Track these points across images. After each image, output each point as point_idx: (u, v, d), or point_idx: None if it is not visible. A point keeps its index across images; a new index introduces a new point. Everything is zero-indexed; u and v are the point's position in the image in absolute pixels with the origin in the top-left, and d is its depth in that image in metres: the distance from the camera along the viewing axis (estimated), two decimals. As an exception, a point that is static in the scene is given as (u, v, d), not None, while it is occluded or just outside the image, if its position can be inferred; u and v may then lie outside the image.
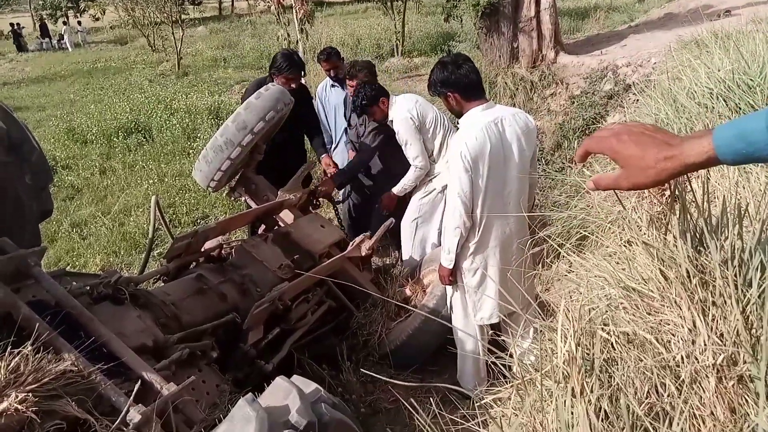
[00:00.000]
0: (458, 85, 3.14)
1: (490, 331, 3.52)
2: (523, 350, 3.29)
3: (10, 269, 2.36)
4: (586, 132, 7.03)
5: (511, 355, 1.31)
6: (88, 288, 2.68)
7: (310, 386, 2.15)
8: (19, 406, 1.78)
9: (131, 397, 2.01)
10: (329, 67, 5.54)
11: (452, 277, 3.41)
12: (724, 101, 2.65)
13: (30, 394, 1.82)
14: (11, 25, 26.38)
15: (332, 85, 5.69)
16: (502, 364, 1.42)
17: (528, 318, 3.09)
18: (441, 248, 3.50)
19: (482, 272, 3.36)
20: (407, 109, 4.36)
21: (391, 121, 4.46)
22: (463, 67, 3.16)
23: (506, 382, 1.42)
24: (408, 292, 4.28)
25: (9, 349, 1.89)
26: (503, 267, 3.31)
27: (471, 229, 3.27)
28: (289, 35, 9.68)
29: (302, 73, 4.86)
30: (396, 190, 4.64)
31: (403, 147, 4.46)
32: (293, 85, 4.72)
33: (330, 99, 5.73)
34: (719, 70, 2.81)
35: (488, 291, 3.39)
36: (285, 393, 2.02)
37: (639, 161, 1.06)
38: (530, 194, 3.50)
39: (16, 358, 1.86)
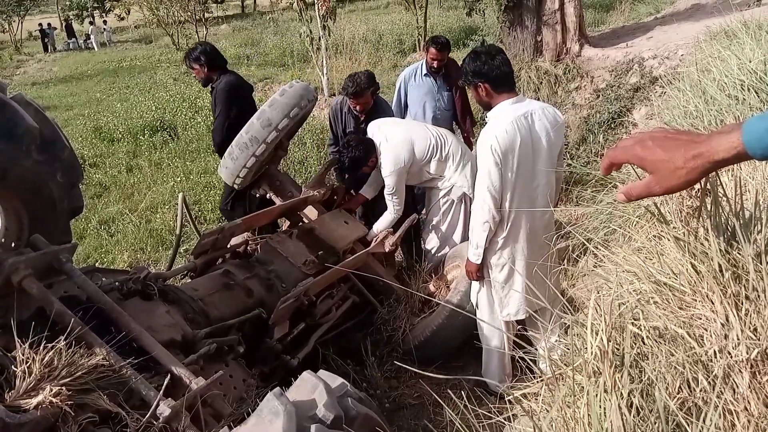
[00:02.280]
0: (489, 76, 3.10)
1: (517, 327, 3.51)
2: (552, 345, 3.28)
3: (43, 265, 2.41)
4: (612, 126, 6.95)
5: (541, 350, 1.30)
6: (117, 284, 2.72)
7: (336, 381, 2.16)
8: (54, 399, 1.82)
9: (161, 391, 2.04)
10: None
11: (479, 272, 3.39)
12: (756, 93, 2.59)
13: (64, 388, 1.86)
14: (40, 25, 26.93)
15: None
16: (530, 360, 1.41)
17: (557, 313, 3.07)
18: (468, 243, 3.48)
19: (510, 267, 3.34)
20: (398, 158, 4.18)
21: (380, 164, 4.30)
22: (497, 59, 3.11)
23: (534, 377, 1.41)
24: (432, 288, 4.28)
25: (43, 343, 1.93)
26: (530, 262, 3.27)
27: (499, 224, 3.25)
28: (311, 32, 9.70)
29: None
30: (373, 232, 4.47)
31: (387, 192, 4.32)
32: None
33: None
34: (750, 61, 2.75)
35: (515, 286, 3.37)
36: (312, 387, 2.03)
37: (667, 164, 1.03)
38: (556, 188, 3.46)
39: (51, 353, 1.91)
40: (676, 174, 1.03)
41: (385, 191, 4.34)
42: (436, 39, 5.29)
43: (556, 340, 3.27)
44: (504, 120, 3.10)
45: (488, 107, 3.22)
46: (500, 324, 3.47)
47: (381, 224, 4.45)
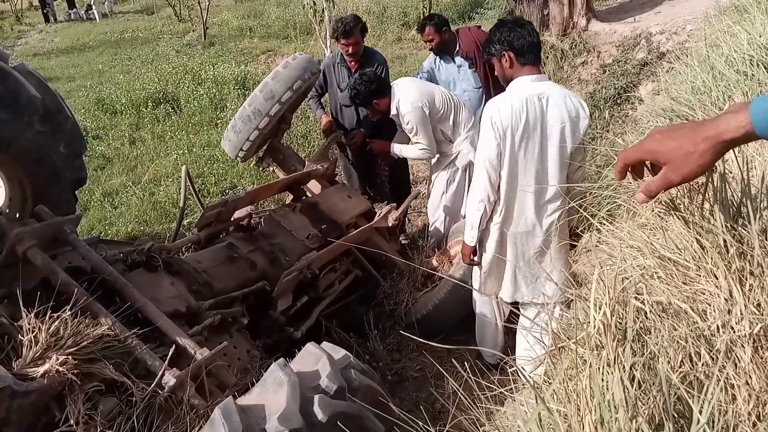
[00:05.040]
0: (514, 44, 2.94)
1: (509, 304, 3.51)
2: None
3: (48, 236, 2.42)
4: (618, 102, 6.89)
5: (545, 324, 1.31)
6: (122, 255, 2.74)
7: (339, 353, 2.18)
8: (60, 368, 1.85)
9: (166, 361, 2.07)
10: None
11: (474, 256, 3.33)
12: (765, 68, 2.56)
13: (70, 357, 1.88)
14: (40, -5, 26.56)
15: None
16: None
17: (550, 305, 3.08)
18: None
19: (501, 251, 3.26)
20: (417, 98, 4.13)
21: (395, 114, 4.28)
22: (526, 27, 2.99)
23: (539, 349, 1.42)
24: (435, 262, 4.29)
25: (49, 313, 1.95)
26: (527, 253, 3.20)
27: (495, 206, 3.15)
28: (314, 4, 9.60)
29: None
30: (395, 148, 4.50)
31: (411, 135, 4.29)
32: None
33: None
34: (761, 36, 2.71)
35: (506, 273, 3.32)
36: (315, 359, 2.06)
37: (679, 151, 1.03)
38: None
39: (56, 322, 1.93)
40: (690, 159, 1.02)
41: (408, 132, 4.31)
42: (422, 21, 5.15)
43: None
44: (515, 95, 2.95)
45: (508, 82, 3.07)
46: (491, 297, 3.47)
47: (408, 151, 4.45)
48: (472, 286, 3.58)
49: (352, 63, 4.85)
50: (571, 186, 3.10)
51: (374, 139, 4.69)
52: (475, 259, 3.34)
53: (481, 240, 3.31)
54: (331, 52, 9.10)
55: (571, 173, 3.09)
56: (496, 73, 3.22)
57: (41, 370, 1.84)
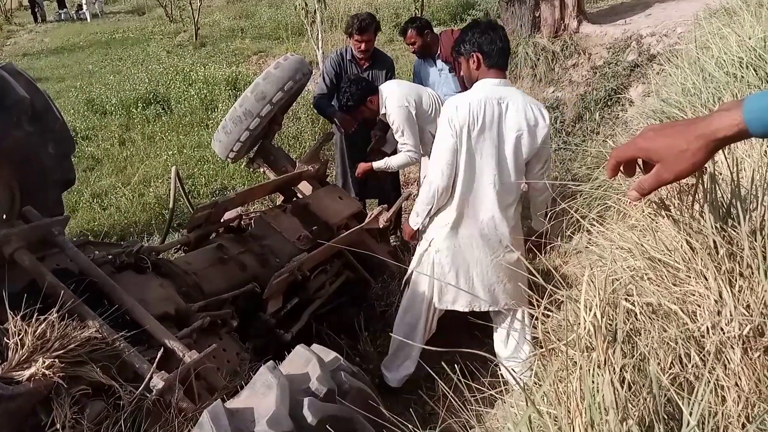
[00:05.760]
0: (484, 47, 2.97)
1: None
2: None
3: (35, 238, 2.39)
4: (609, 104, 6.91)
5: (534, 327, 1.30)
6: (110, 257, 2.71)
7: (329, 355, 2.17)
8: (47, 371, 1.82)
9: (154, 364, 2.05)
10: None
11: (416, 236, 3.34)
12: (754, 70, 2.57)
13: (56, 360, 1.86)
14: (30, -5, 26.39)
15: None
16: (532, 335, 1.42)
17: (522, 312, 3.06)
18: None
19: (452, 255, 3.22)
20: (403, 97, 4.13)
21: (383, 114, 4.27)
22: (498, 31, 3.01)
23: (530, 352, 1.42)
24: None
25: (35, 316, 1.92)
26: (481, 260, 3.18)
27: (447, 207, 3.13)
28: (306, 5, 9.57)
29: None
30: (376, 164, 4.47)
31: (396, 136, 4.26)
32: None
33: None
34: (750, 39, 2.73)
35: (459, 279, 3.25)
36: (305, 361, 2.04)
37: (672, 149, 1.03)
38: (535, 203, 3.32)
39: (43, 325, 1.90)
40: (683, 157, 1.02)
41: (394, 133, 4.29)
42: (404, 24, 5.13)
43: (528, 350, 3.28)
44: (474, 95, 2.96)
45: (472, 83, 3.09)
46: (425, 310, 3.38)
47: (392, 161, 4.41)
48: (406, 296, 3.46)
49: (363, 61, 4.85)
50: (536, 189, 3.18)
51: (360, 164, 4.67)
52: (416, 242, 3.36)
53: (437, 244, 3.26)
54: (323, 53, 9.09)
55: (531, 180, 3.14)
56: (461, 74, 3.23)
57: (27, 373, 1.81)
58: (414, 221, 3.29)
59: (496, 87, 2.98)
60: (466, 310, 3.30)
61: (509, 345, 3.42)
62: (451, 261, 3.21)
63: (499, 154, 2.99)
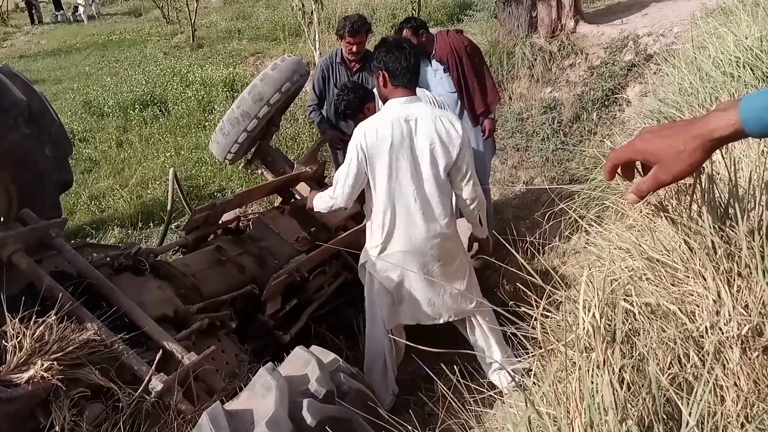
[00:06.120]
0: (389, 65, 3.04)
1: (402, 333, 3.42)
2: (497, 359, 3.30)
3: (33, 240, 2.39)
4: (606, 103, 6.93)
5: (533, 327, 1.31)
6: (108, 259, 2.71)
7: (328, 356, 2.17)
8: (45, 374, 1.82)
9: (153, 366, 2.05)
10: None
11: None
12: (751, 70, 2.58)
13: (55, 362, 1.86)
14: (26, -3, 26.34)
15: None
16: (523, 335, 1.42)
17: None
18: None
19: (391, 275, 3.21)
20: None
21: None
22: (402, 50, 3.06)
23: (527, 352, 1.42)
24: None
25: (34, 318, 1.92)
26: (414, 275, 3.18)
27: (375, 230, 3.16)
28: (303, 5, 9.57)
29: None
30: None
31: None
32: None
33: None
34: (746, 38, 2.73)
35: (403, 296, 3.25)
36: (304, 362, 2.04)
37: (669, 149, 1.02)
38: (467, 213, 3.29)
39: (41, 328, 1.90)
40: (680, 158, 1.01)
41: None
42: (399, 24, 5.09)
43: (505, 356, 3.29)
44: (382, 118, 3.04)
45: (385, 100, 3.16)
46: (382, 335, 3.35)
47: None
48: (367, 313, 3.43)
49: (353, 63, 4.82)
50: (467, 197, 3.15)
51: None
52: None
53: (377, 267, 3.26)
54: (320, 54, 9.09)
55: (459, 190, 3.16)
56: (376, 89, 3.29)
57: (26, 376, 1.81)
58: (313, 206, 3.37)
59: (403, 105, 3.04)
60: (413, 323, 3.33)
61: (479, 349, 3.45)
62: (388, 279, 3.22)
63: (415, 171, 3.03)
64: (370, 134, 2.99)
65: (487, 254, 3.43)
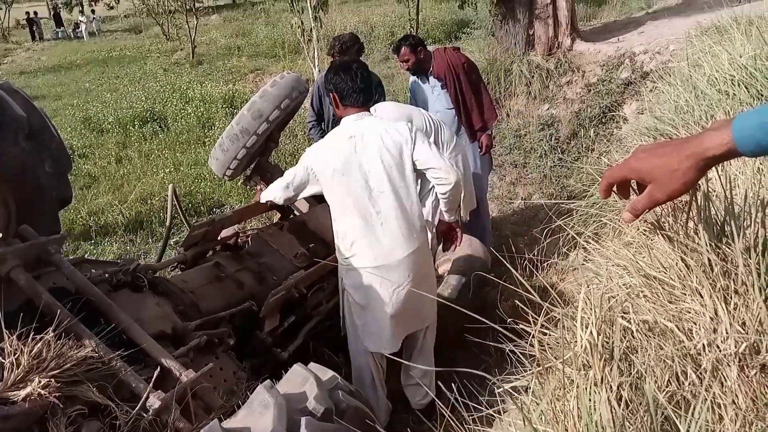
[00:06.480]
0: (338, 86, 3.14)
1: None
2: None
3: (31, 256, 2.39)
4: (603, 120, 6.97)
5: (531, 344, 1.31)
6: (107, 275, 2.71)
7: (327, 374, 2.16)
8: (42, 391, 1.81)
9: (150, 384, 2.04)
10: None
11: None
12: (746, 88, 2.60)
13: (52, 380, 1.85)
14: (27, 14, 26.57)
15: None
16: (520, 353, 1.42)
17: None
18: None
19: (363, 292, 3.21)
20: (394, 120, 4.06)
21: None
22: (349, 72, 3.14)
23: (525, 370, 1.42)
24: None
25: (31, 335, 1.92)
26: (386, 292, 3.16)
27: (342, 245, 3.18)
28: (302, 23, 9.65)
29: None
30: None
31: None
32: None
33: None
34: (741, 57, 2.76)
35: (375, 315, 3.22)
36: (302, 380, 2.04)
37: (663, 168, 1.03)
38: (444, 200, 3.27)
39: (39, 344, 1.89)
40: (674, 176, 1.02)
41: None
42: (397, 42, 5.13)
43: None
44: (333, 137, 3.16)
45: (339, 119, 3.26)
46: (367, 360, 3.36)
47: None
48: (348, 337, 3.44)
49: None
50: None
51: None
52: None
53: (346, 283, 3.28)
54: (319, 71, 9.14)
55: (425, 196, 3.22)
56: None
57: (23, 393, 1.80)
58: (260, 198, 3.58)
59: (353, 123, 3.13)
60: (374, 350, 3.30)
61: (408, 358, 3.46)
62: (363, 299, 3.22)
63: (368, 185, 3.07)
64: (320, 154, 3.14)
65: (454, 243, 3.41)
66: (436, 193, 3.38)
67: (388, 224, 3.10)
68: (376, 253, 3.11)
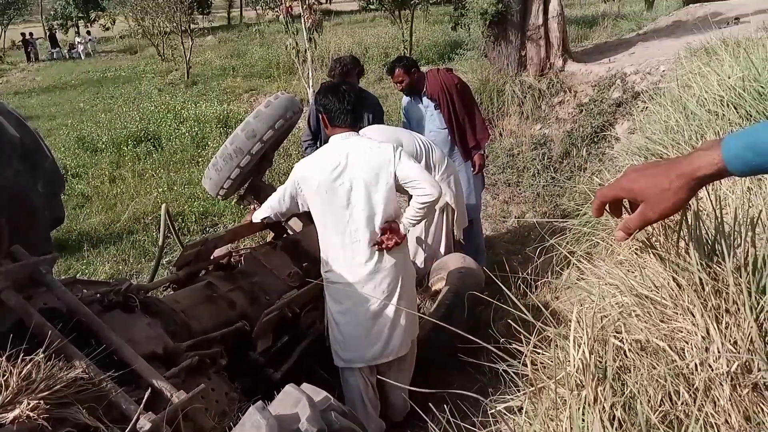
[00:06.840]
0: (327, 107, 3.20)
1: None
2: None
3: (23, 277, 2.37)
4: (595, 140, 7.02)
5: (524, 364, 1.30)
6: (98, 296, 2.69)
7: (319, 394, 2.15)
8: (31, 413, 1.79)
9: (141, 405, 2.01)
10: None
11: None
12: (735, 109, 2.63)
13: (42, 402, 1.83)
14: (23, 35, 26.68)
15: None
16: (513, 372, 1.42)
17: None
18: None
19: (344, 309, 3.26)
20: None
21: None
22: (337, 94, 3.19)
23: (518, 390, 1.41)
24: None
25: (21, 356, 1.90)
26: (365, 311, 3.21)
27: (323, 261, 3.26)
28: (297, 44, 9.73)
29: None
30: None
31: None
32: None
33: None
34: (729, 78, 2.80)
35: (352, 331, 3.27)
36: (295, 401, 2.02)
37: (654, 188, 1.04)
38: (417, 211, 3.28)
39: (28, 366, 1.87)
40: (665, 196, 1.03)
41: None
42: (391, 63, 5.20)
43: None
44: (320, 154, 3.24)
45: (328, 137, 3.31)
46: (358, 379, 3.37)
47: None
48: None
49: None
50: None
51: None
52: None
53: (329, 305, 3.32)
54: (314, 91, 9.19)
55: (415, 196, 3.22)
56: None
57: (11, 415, 1.78)
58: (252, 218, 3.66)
59: (341, 142, 3.19)
60: (379, 362, 3.33)
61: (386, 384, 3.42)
62: (341, 314, 3.26)
63: (349, 203, 3.12)
64: (308, 170, 3.20)
65: (400, 238, 3.32)
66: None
67: (364, 242, 3.15)
68: (350, 270, 3.18)
